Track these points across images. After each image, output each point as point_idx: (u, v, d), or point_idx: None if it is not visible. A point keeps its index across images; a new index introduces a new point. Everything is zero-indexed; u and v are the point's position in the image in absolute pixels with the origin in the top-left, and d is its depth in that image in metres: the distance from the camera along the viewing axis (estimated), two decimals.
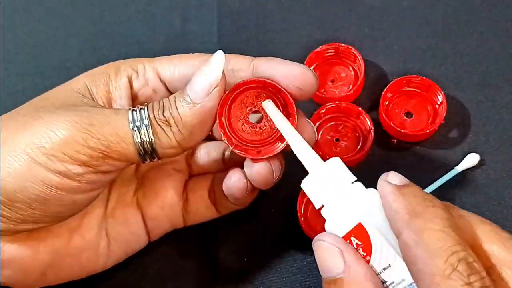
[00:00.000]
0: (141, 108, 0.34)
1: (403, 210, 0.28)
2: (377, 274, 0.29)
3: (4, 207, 0.32)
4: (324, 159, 0.44)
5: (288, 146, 0.34)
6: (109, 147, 0.33)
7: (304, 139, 0.34)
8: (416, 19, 0.50)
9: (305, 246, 0.42)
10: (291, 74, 0.34)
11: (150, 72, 0.38)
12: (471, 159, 0.43)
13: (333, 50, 0.47)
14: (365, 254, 0.30)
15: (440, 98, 0.44)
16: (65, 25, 0.52)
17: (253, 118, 0.36)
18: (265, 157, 0.35)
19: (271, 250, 0.42)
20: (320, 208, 0.32)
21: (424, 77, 0.45)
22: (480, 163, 0.44)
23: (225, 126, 0.35)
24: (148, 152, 0.34)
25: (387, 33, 0.50)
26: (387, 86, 0.45)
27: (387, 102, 0.46)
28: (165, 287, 0.42)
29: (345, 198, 0.31)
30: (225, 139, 0.35)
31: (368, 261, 0.30)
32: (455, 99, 0.46)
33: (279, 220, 0.43)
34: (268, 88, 0.35)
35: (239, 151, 0.35)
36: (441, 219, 0.27)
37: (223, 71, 0.33)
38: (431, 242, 0.26)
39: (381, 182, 0.29)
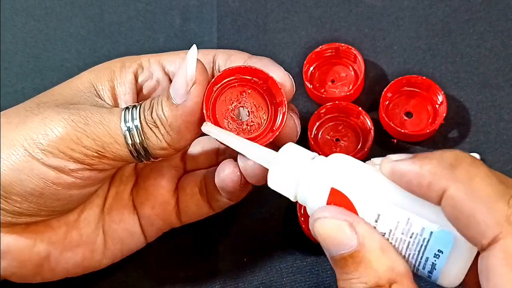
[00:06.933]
0: (134, 107, 0.34)
1: (440, 166, 0.26)
2: None
3: (1, 199, 0.33)
4: None
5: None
6: (103, 148, 0.33)
7: (287, 132, 0.34)
8: (416, 19, 0.50)
9: (305, 246, 0.42)
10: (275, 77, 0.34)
11: (155, 64, 0.38)
12: None
13: (333, 50, 0.47)
14: None
15: (440, 98, 0.44)
16: (65, 25, 0.52)
17: (244, 114, 0.35)
18: None
19: (271, 250, 0.42)
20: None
21: (424, 77, 0.45)
22: None
23: (211, 120, 0.34)
24: (141, 153, 0.34)
25: (387, 33, 0.50)
26: (387, 86, 0.45)
27: (387, 102, 0.46)
28: (164, 287, 0.42)
29: (309, 175, 0.30)
30: None
31: None
32: (455, 99, 0.46)
33: (279, 220, 0.43)
34: (253, 79, 0.34)
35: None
36: (481, 163, 0.26)
37: (203, 68, 0.33)
38: (485, 189, 0.25)
39: (386, 161, 0.28)
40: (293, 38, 0.50)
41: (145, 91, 0.38)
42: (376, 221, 0.29)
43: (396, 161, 0.28)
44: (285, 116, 0.34)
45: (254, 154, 0.33)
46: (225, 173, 0.35)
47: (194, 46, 0.33)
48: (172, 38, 0.51)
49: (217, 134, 0.33)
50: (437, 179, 0.26)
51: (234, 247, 0.43)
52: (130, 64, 0.37)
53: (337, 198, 0.29)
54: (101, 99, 0.36)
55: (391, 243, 0.29)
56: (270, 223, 0.43)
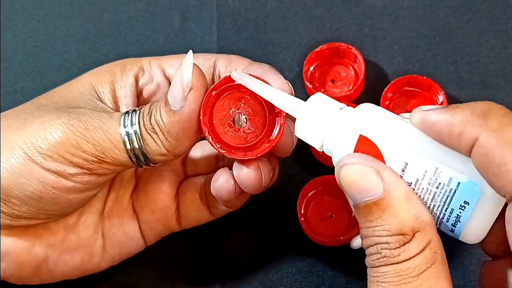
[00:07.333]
0: (133, 111, 0.34)
1: (472, 115, 0.26)
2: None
3: (1, 202, 0.33)
4: (326, 158, 0.44)
5: (273, 148, 0.33)
6: (103, 153, 0.33)
7: (282, 141, 0.33)
8: (416, 19, 0.50)
9: (305, 246, 0.42)
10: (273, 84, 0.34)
11: (155, 68, 0.38)
12: None
13: (333, 50, 0.47)
14: None
15: (441, 98, 0.44)
16: (64, 25, 0.52)
17: (241, 121, 0.35)
18: (252, 157, 0.34)
19: (271, 250, 0.42)
20: (323, 154, 0.31)
21: (424, 77, 0.45)
22: None
23: (208, 126, 0.33)
24: (140, 158, 0.33)
25: (387, 33, 0.49)
26: (388, 86, 0.45)
27: (387, 102, 0.46)
28: (165, 287, 0.42)
29: (338, 123, 0.30)
30: (210, 137, 0.33)
31: None
32: (455, 99, 0.46)
33: (279, 220, 0.43)
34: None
35: (224, 151, 0.33)
36: (511, 114, 0.26)
37: (200, 73, 0.32)
38: None
39: (417, 111, 0.28)
40: (293, 38, 0.50)
41: (145, 94, 0.38)
42: (403, 171, 0.28)
43: (427, 111, 0.28)
44: (283, 127, 0.34)
45: (282, 102, 0.32)
46: (219, 182, 0.35)
47: (190, 52, 0.32)
48: (172, 38, 0.51)
49: (246, 82, 0.33)
50: (469, 128, 0.26)
51: (234, 247, 0.43)
52: (131, 66, 0.37)
53: (365, 146, 0.29)
54: (102, 101, 0.36)
55: (416, 193, 0.29)
56: (270, 223, 0.43)
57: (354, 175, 0.28)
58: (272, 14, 0.51)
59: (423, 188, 0.28)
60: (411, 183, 0.29)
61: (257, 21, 0.51)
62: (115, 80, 0.37)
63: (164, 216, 0.39)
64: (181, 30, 0.51)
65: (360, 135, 0.29)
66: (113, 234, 0.39)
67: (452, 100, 0.46)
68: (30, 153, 0.32)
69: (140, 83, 0.37)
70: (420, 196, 0.29)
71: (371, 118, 0.30)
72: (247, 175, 0.34)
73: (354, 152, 0.29)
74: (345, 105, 0.31)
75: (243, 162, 0.34)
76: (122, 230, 0.39)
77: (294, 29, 0.50)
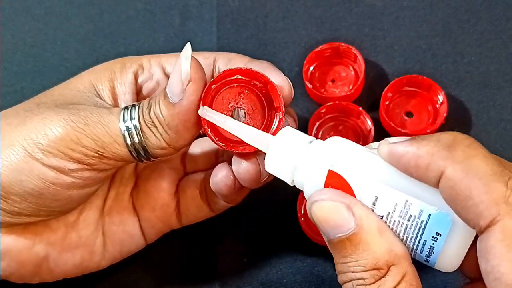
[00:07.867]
0: (133, 106, 0.34)
1: (438, 147, 0.26)
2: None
3: (1, 199, 0.33)
4: None
5: None
6: (103, 148, 0.33)
7: None
8: (416, 19, 0.50)
9: (305, 246, 0.42)
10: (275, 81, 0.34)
11: (155, 66, 0.38)
12: None
13: (333, 50, 0.47)
14: None
15: (441, 98, 0.44)
16: (64, 24, 0.52)
17: (240, 116, 0.35)
18: (250, 151, 0.33)
19: (271, 251, 0.42)
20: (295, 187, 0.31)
21: (424, 77, 0.45)
22: None
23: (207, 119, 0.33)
24: (140, 153, 0.34)
25: (387, 33, 0.49)
26: (388, 86, 0.45)
27: (387, 102, 0.46)
28: (164, 287, 0.42)
29: (307, 158, 0.30)
30: (208, 129, 0.33)
31: None
32: (455, 99, 0.46)
33: (279, 220, 0.43)
34: (253, 82, 0.34)
35: (223, 144, 0.33)
36: (478, 145, 0.26)
37: (198, 66, 0.32)
38: (483, 169, 0.25)
39: (383, 144, 0.28)
40: (293, 38, 0.50)
41: (144, 92, 0.38)
42: (374, 204, 0.28)
43: (393, 143, 0.28)
44: (281, 122, 0.34)
45: (251, 137, 0.32)
46: (218, 177, 0.35)
47: (188, 44, 0.32)
48: (171, 37, 0.51)
49: (213, 118, 0.33)
50: (435, 160, 0.26)
51: (233, 247, 0.43)
52: (130, 64, 0.37)
53: (335, 181, 0.29)
54: (101, 99, 0.36)
55: (388, 226, 0.29)
56: (270, 223, 0.43)
57: (326, 212, 0.28)
58: (272, 14, 0.51)
59: (394, 221, 0.28)
60: (382, 216, 0.29)
61: (257, 21, 0.51)
62: (114, 77, 0.37)
63: (164, 213, 0.39)
64: (181, 30, 0.51)
65: (329, 170, 0.29)
66: (113, 232, 0.38)
67: (452, 100, 0.46)
68: (30, 150, 0.32)
69: (139, 80, 0.37)
70: (392, 228, 0.29)
71: (340, 152, 0.30)
72: (246, 169, 0.34)
73: (324, 187, 0.29)
74: (314, 138, 0.31)
75: (241, 155, 0.34)
76: (122, 228, 0.39)
77: (294, 29, 0.50)
